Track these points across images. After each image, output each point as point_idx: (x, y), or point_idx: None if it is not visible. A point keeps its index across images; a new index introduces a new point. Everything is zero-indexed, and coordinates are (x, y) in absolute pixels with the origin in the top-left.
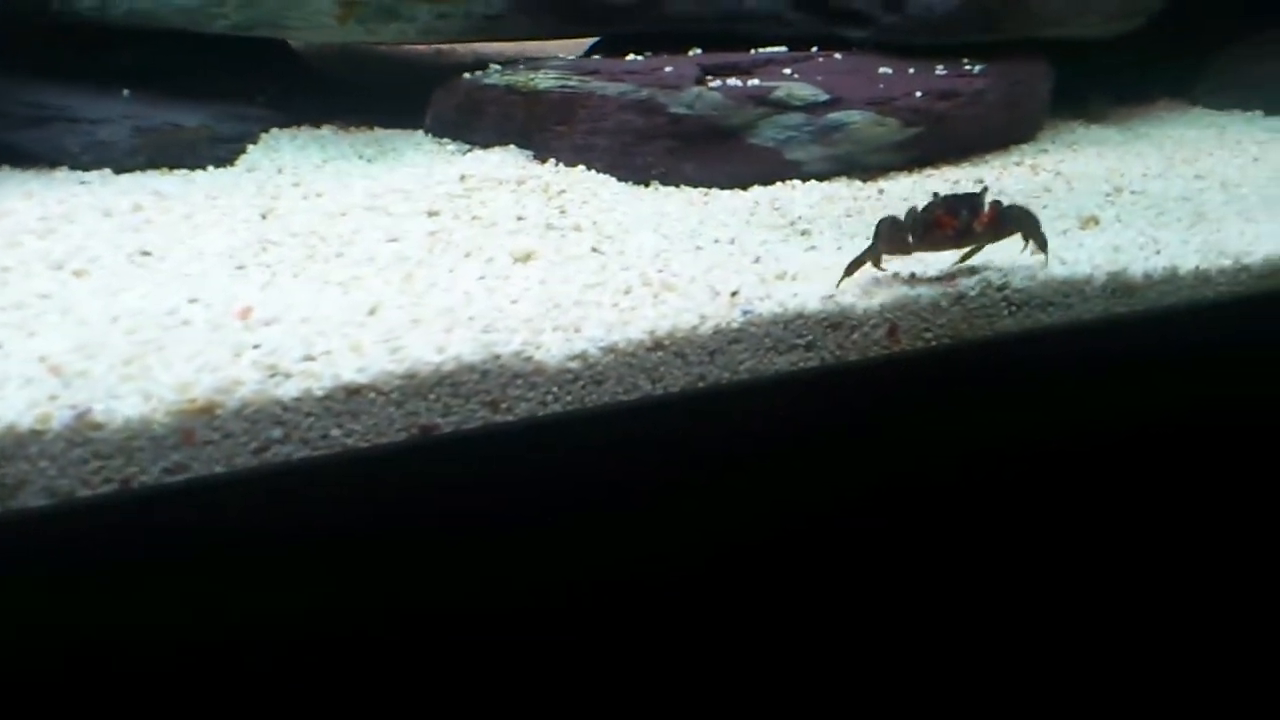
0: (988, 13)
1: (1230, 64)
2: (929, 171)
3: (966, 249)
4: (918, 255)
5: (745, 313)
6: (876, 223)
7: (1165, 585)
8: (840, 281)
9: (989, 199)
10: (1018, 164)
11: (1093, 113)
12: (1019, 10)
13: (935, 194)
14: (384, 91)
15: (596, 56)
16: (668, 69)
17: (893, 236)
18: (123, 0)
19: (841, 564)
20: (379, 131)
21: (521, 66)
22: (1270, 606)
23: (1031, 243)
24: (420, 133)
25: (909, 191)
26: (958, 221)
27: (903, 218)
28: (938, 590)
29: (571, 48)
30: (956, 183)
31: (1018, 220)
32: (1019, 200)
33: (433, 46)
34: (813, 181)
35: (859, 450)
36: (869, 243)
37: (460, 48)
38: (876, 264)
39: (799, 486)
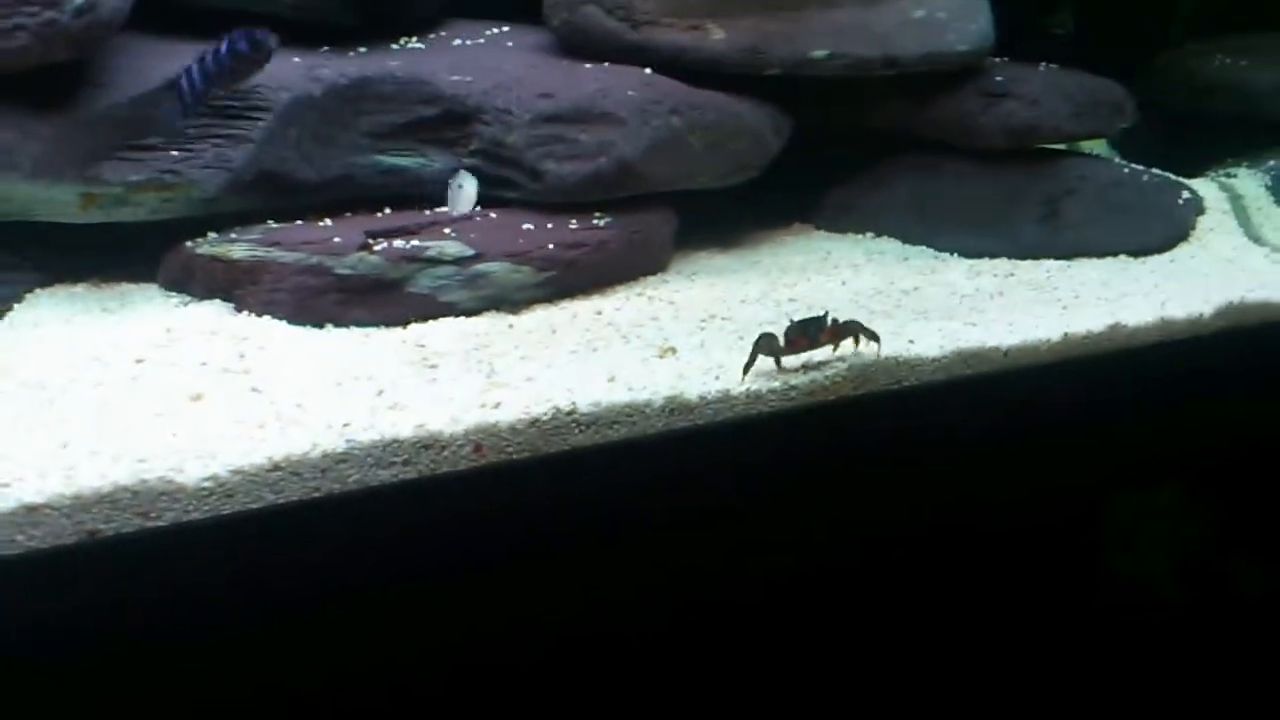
0: (607, 180)
1: (847, 191)
2: (564, 304)
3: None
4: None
5: (348, 441)
6: (758, 335)
7: None
8: (742, 378)
9: (829, 318)
10: (639, 295)
11: (726, 241)
12: (632, 176)
13: (791, 320)
14: (149, 243)
15: (298, 223)
16: (336, 238)
17: (767, 346)
18: None
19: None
20: (125, 286)
21: (231, 234)
22: None
23: (864, 339)
24: (157, 286)
25: (538, 324)
26: (807, 338)
27: (780, 332)
28: None
29: None
30: (600, 312)
31: (850, 329)
32: (627, 326)
33: None
34: (462, 318)
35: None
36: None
37: None
38: (776, 361)
39: (405, 590)
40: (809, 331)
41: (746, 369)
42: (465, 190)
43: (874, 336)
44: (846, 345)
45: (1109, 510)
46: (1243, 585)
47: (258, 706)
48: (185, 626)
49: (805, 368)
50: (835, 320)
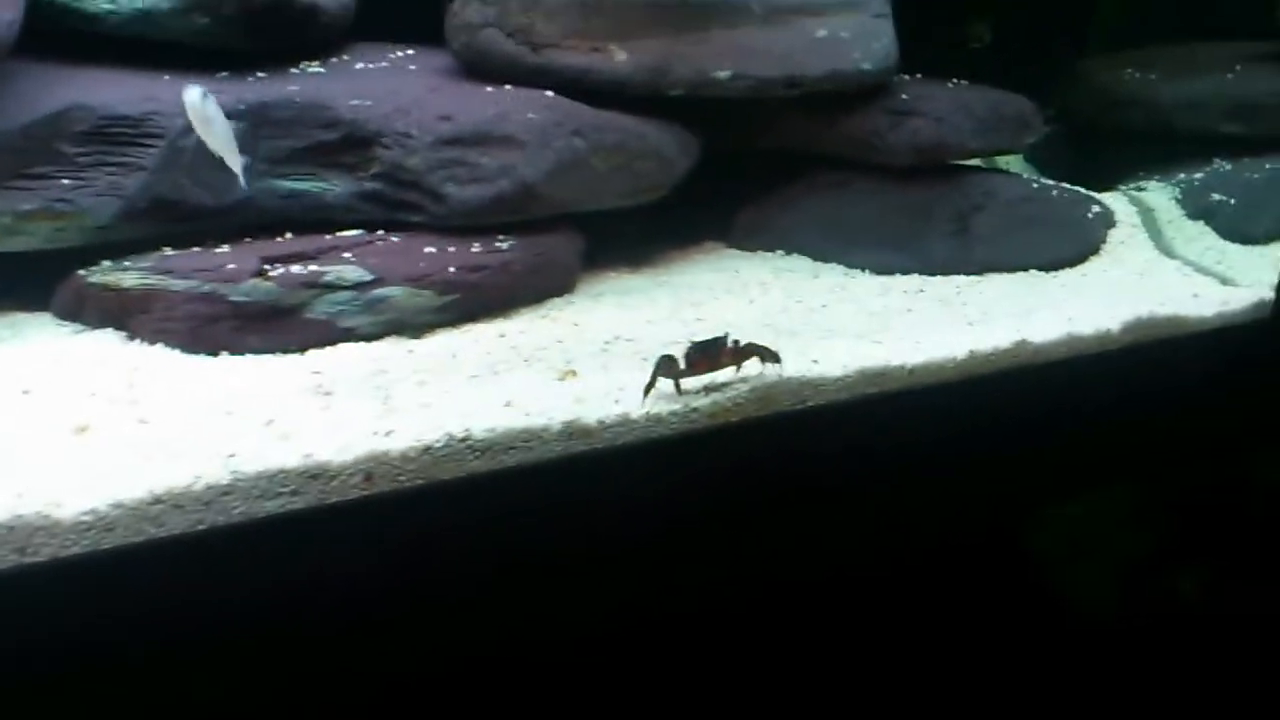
0: (509, 202)
1: (758, 210)
2: (468, 326)
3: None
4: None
5: (233, 472)
6: (657, 357)
7: None
8: (644, 401)
9: (730, 339)
10: (543, 317)
11: (636, 260)
12: (535, 199)
13: (692, 341)
14: (44, 271)
15: (194, 250)
16: (231, 265)
17: (667, 369)
18: None
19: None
20: (16, 315)
21: (125, 263)
22: None
23: (768, 361)
24: (50, 315)
25: (440, 348)
26: (707, 360)
27: (680, 354)
28: None
29: None
30: (503, 335)
31: (750, 350)
32: (530, 349)
33: None
34: (363, 343)
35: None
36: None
37: None
38: (676, 383)
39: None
40: (709, 352)
41: (646, 391)
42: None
43: (774, 357)
44: (751, 366)
45: (1034, 526)
46: (1180, 596)
47: None
48: (62, 664)
49: (707, 389)
50: (736, 341)
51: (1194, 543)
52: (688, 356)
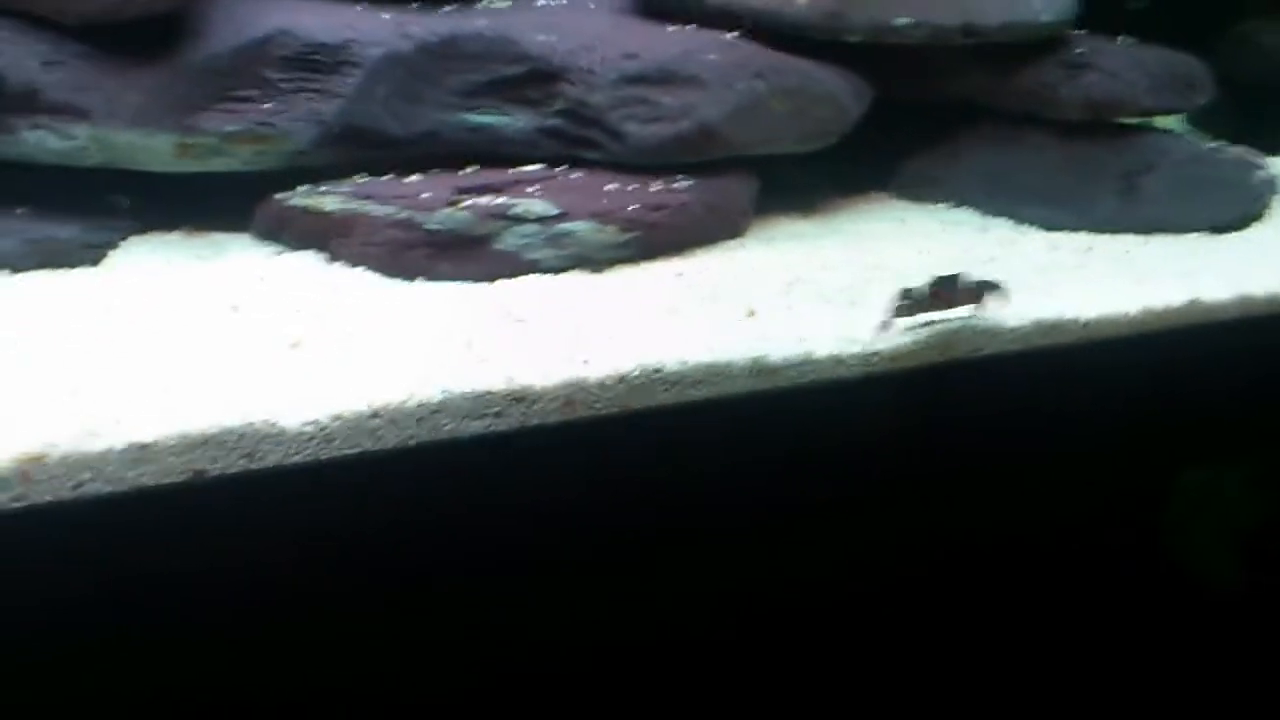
0: (689, 143)
1: (925, 160)
2: (646, 264)
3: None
4: None
5: (443, 391)
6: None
7: None
8: (882, 333)
9: (964, 276)
10: (719, 258)
11: (804, 207)
12: (715, 140)
13: (933, 275)
14: (238, 194)
15: (387, 177)
16: (426, 194)
17: (908, 301)
18: (13, 145)
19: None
20: (218, 235)
21: (323, 187)
22: None
23: (993, 297)
24: (249, 235)
25: (621, 284)
26: (945, 292)
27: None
28: None
29: None
30: (681, 274)
31: (982, 286)
32: (709, 288)
33: None
34: (546, 276)
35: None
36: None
37: None
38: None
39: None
40: (946, 286)
41: (886, 324)
42: None
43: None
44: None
45: (1172, 491)
46: None
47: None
48: (280, 566)
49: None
50: (980, 280)
51: None
52: (932, 288)
